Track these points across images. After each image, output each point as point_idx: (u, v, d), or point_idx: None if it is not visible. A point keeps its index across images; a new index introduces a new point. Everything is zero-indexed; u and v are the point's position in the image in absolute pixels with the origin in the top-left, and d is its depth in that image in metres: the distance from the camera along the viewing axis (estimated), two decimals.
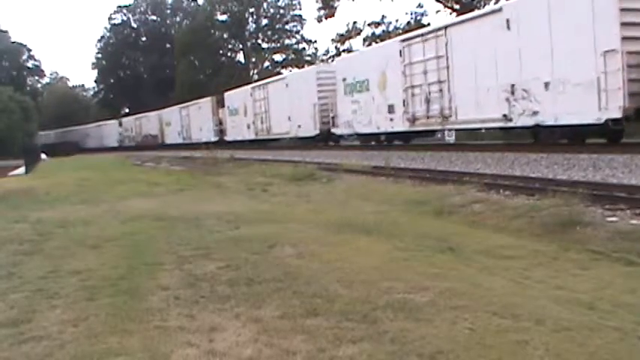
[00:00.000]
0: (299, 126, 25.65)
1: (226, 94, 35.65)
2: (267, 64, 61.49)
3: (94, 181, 17.04)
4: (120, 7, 73.02)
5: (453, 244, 6.03)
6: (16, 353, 3.54)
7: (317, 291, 4.41)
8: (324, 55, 52.28)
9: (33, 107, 58.77)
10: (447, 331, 3.50)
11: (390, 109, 18.80)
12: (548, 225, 6.65)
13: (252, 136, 31.05)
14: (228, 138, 34.50)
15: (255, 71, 60.12)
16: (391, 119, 18.80)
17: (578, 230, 6.35)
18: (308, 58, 58.21)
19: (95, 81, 78.63)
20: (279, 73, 45.58)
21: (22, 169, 29.20)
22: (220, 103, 36.22)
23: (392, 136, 19.93)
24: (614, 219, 6.58)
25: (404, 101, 17.82)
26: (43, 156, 40.36)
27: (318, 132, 24.23)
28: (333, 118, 23.26)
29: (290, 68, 54.25)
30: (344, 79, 21.85)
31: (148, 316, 4.03)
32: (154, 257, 5.98)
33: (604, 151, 11.34)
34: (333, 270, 5.07)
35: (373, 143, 21.44)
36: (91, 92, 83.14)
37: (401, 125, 18.27)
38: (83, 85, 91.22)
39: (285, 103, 26.75)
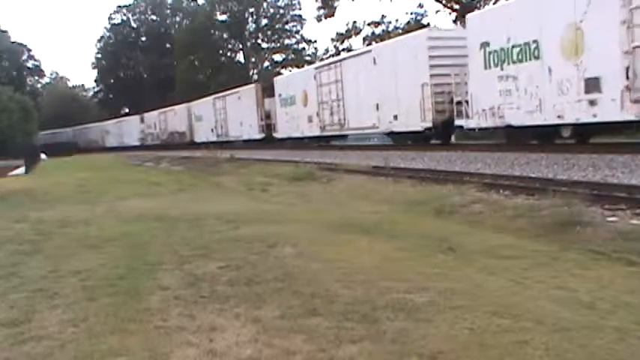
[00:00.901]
0: (394, 117, 18.74)
1: (277, 79, 30.13)
2: (266, 63, 61.56)
3: (94, 181, 17.04)
4: (120, 7, 73.09)
5: (452, 244, 6.03)
6: (16, 353, 3.54)
7: (317, 291, 4.41)
8: (324, 54, 52.27)
9: (33, 107, 58.74)
10: (447, 331, 3.50)
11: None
12: (548, 225, 6.65)
13: (316, 132, 24.40)
14: (279, 135, 27.96)
15: (255, 71, 60.17)
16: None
17: (578, 230, 6.35)
18: (308, 58, 58.23)
19: (95, 81, 78.79)
20: (279, 73, 45.57)
21: (22, 169, 29.19)
22: (267, 92, 29.55)
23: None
24: (614, 219, 6.58)
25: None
26: (43, 156, 40.33)
27: (429, 125, 17.15)
28: (458, 104, 15.83)
29: (290, 68, 54.26)
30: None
31: (147, 316, 4.04)
32: (154, 257, 5.98)
33: (604, 151, 11.34)
34: (333, 270, 5.07)
35: None
36: (91, 92, 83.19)
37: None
38: (83, 85, 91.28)
39: (370, 86, 19.85)
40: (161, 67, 67.76)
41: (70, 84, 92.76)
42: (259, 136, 29.57)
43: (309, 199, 10.70)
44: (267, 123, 29.22)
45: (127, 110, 69.36)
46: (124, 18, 73.30)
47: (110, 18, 73.72)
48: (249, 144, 30.37)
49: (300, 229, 7.27)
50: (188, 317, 3.99)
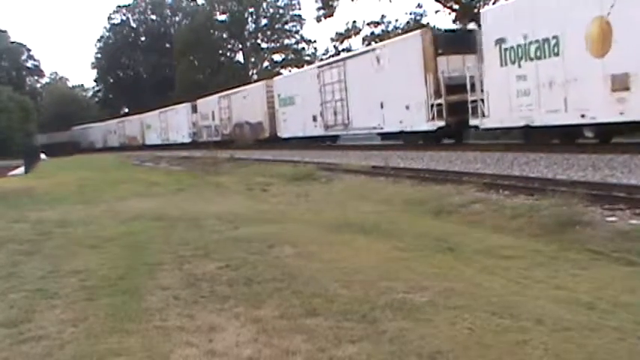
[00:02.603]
0: (402, 116, 18.45)
1: (276, 79, 30.55)
2: (266, 64, 61.56)
3: (94, 181, 17.04)
4: (119, 6, 73.03)
5: (452, 244, 6.03)
6: (15, 353, 3.55)
7: (316, 291, 4.41)
8: (323, 54, 52.25)
9: (32, 107, 58.74)
10: (446, 331, 3.51)
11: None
12: (547, 225, 6.65)
13: (320, 132, 24.43)
14: (282, 135, 27.97)
15: (255, 71, 60.17)
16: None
17: (578, 230, 6.35)
18: (307, 58, 58.24)
19: (94, 81, 78.68)
20: (279, 73, 45.52)
21: (21, 169, 29.20)
22: (270, 92, 29.22)
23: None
24: (613, 219, 6.58)
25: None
26: (43, 156, 40.33)
27: (442, 124, 16.51)
28: (472, 103, 14.98)
29: (289, 68, 54.25)
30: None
31: (147, 316, 4.04)
32: (153, 257, 5.98)
33: (603, 151, 11.35)
34: (332, 270, 5.07)
35: None
36: (91, 92, 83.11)
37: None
38: (82, 85, 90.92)
39: (374, 85, 19.70)
40: (161, 67, 67.75)
41: (69, 84, 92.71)
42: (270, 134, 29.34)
43: (308, 199, 10.70)
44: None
45: (126, 110, 69.24)
46: (124, 18, 73.29)
47: (110, 18, 73.72)
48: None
49: (300, 229, 7.27)
50: (188, 317, 3.99)
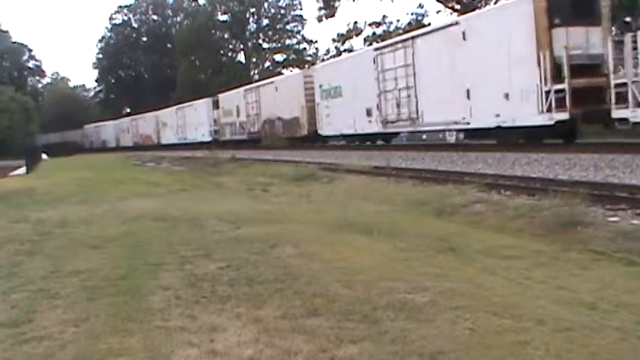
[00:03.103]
0: (499, 107, 14.26)
1: (318, 67, 27.17)
2: (267, 64, 61.57)
3: (95, 181, 17.04)
4: (121, 7, 73.14)
5: (453, 244, 6.02)
6: (17, 353, 3.54)
7: (318, 291, 4.41)
8: (324, 55, 52.27)
9: (34, 107, 58.77)
10: (447, 332, 3.50)
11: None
12: (549, 225, 6.64)
13: (376, 128, 20.11)
14: (324, 132, 23.99)
15: (256, 71, 60.19)
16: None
17: (579, 230, 6.34)
18: (309, 58, 58.28)
19: (96, 81, 78.78)
20: (280, 74, 45.50)
21: (23, 169, 29.27)
22: (309, 82, 25.28)
23: None
24: (615, 219, 6.57)
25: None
26: (44, 156, 40.37)
27: (563, 117, 12.54)
28: (618, 87, 11.36)
29: (291, 68, 54.27)
30: None
31: (149, 316, 4.04)
32: (155, 257, 5.98)
33: (605, 151, 11.32)
34: (333, 270, 5.07)
35: None
36: (92, 92, 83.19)
37: None
38: (84, 85, 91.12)
39: (457, 68, 15.64)
40: (162, 67, 67.78)
41: (70, 84, 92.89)
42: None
43: (310, 199, 10.70)
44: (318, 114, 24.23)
45: (128, 110, 69.22)
46: (125, 18, 73.33)
47: (111, 18, 73.80)
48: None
49: (301, 229, 7.27)
50: (189, 317, 3.99)
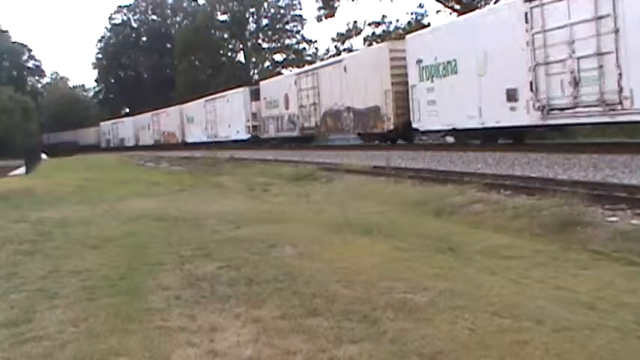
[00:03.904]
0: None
1: (412, 37, 18.50)
2: (267, 63, 61.59)
3: (95, 181, 17.03)
4: (120, 7, 73.14)
5: (453, 244, 6.02)
6: (16, 353, 3.54)
7: (317, 291, 4.41)
8: (324, 54, 52.26)
9: (33, 107, 58.79)
10: (447, 331, 3.50)
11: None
12: (548, 225, 6.64)
13: (527, 119, 13.32)
14: (424, 126, 17.50)
15: (256, 71, 60.21)
16: None
17: (579, 230, 6.35)
18: (308, 58, 58.26)
19: (95, 81, 78.82)
20: (279, 73, 45.45)
21: (22, 169, 29.27)
22: (397, 59, 18.64)
23: None
24: (614, 219, 6.57)
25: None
26: (43, 156, 40.37)
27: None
28: None
29: (290, 68, 54.25)
30: None
31: (148, 316, 4.03)
32: (154, 257, 5.98)
33: (604, 151, 11.32)
34: (333, 270, 5.07)
35: None
36: (92, 92, 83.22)
37: None
38: (83, 85, 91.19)
39: None
40: (161, 67, 67.80)
41: (70, 84, 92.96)
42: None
43: (309, 199, 10.70)
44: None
45: (127, 110, 69.17)
46: (125, 18, 73.34)
47: (111, 18, 73.83)
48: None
49: (301, 229, 7.27)
50: (189, 317, 3.99)
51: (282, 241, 6.33)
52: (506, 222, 7.24)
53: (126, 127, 54.73)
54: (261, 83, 30.71)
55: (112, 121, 58.88)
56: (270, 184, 13.52)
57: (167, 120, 44.43)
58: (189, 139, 39.03)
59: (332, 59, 24.78)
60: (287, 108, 26.25)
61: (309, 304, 4.12)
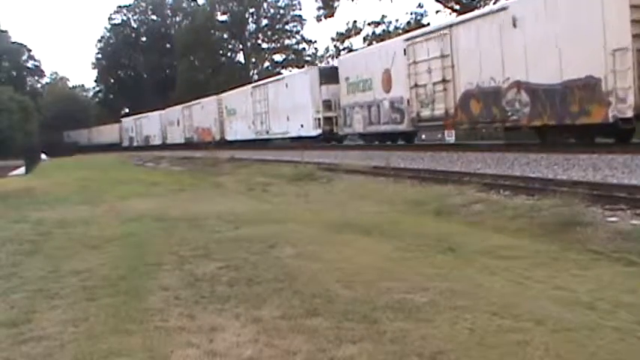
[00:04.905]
0: None
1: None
2: (267, 64, 61.59)
3: (95, 181, 17.03)
4: (120, 7, 73.13)
5: (453, 244, 6.02)
6: (16, 353, 3.54)
7: (317, 291, 4.41)
8: (324, 54, 52.20)
9: (33, 107, 58.77)
10: (447, 332, 3.50)
11: None
12: (548, 225, 6.64)
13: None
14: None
15: (255, 71, 60.20)
16: None
17: (579, 230, 6.34)
18: (308, 58, 58.28)
19: (95, 81, 78.84)
20: (279, 73, 45.42)
21: (22, 169, 29.28)
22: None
23: None
24: (614, 219, 6.58)
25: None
26: (43, 156, 40.36)
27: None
28: None
29: (290, 68, 54.27)
30: None
31: (148, 317, 4.03)
32: (154, 257, 5.97)
33: (604, 151, 11.33)
34: (333, 270, 5.07)
35: None
36: (91, 92, 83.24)
37: None
38: (83, 86, 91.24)
39: None
40: (161, 67, 67.80)
41: (69, 84, 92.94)
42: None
43: (309, 199, 10.70)
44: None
45: (127, 110, 69.12)
46: (125, 18, 73.35)
47: (110, 18, 73.83)
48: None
49: (301, 229, 7.26)
50: (188, 317, 3.99)
51: (282, 241, 6.33)
52: (506, 222, 7.24)
53: (151, 123, 47.76)
54: (341, 58, 24.27)
55: (135, 116, 52.67)
56: (270, 184, 13.52)
57: (201, 114, 37.04)
58: (230, 137, 32.35)
59: (485, 9, 16.39)
60: (388, 91, 19.05)
61: (309, 304, 4.12)
